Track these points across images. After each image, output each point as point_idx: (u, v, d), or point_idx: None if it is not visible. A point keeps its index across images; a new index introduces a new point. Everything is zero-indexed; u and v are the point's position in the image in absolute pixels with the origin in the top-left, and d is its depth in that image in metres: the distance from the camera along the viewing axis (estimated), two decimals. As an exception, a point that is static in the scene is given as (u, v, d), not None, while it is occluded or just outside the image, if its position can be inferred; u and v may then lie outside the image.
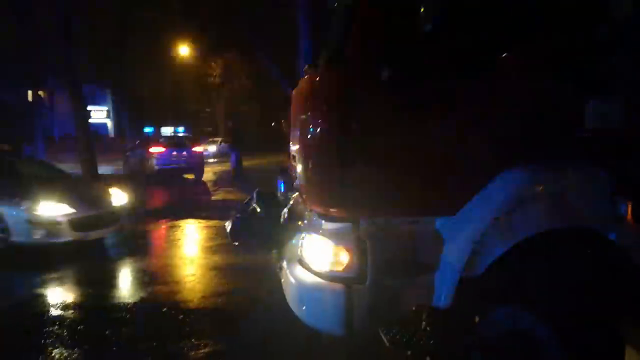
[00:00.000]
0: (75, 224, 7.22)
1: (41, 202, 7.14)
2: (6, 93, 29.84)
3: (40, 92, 33.19)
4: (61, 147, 25.32)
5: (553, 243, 2.61)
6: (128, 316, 4.93)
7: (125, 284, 6.34)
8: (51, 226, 7.04)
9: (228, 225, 3.79)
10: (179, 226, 9.62)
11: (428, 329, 2.59)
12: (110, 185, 9.51)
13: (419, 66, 2.64)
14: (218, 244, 7.76)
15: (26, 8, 20.71)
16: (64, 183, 8.60)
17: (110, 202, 8.16)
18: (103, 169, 16.99)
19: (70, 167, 19.38)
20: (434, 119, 2.71)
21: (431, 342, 2.57)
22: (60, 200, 7.29)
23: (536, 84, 2.68)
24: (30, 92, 33.17)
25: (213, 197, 13.69)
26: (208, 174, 18.83)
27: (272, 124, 36.84)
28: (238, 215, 3.82)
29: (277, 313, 3.88)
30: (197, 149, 17.86)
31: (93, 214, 7.60)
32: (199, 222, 9.83)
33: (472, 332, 2.67)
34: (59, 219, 7.09)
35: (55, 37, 16.92)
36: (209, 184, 16.49)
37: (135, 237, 8.72)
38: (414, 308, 2.67)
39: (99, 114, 33.44)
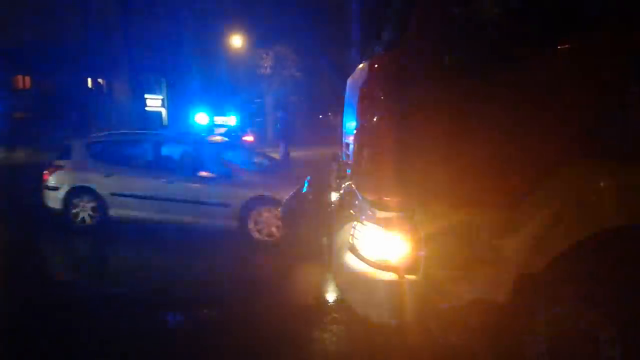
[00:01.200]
0: None
1: None
2: (67, 80, 31.32)
3: (100, 80, 34.66)
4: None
5: (618, 241, 2.48)
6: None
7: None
8: None
9: (281, 211, 3.84)
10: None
11: (483, 324, 2.53)
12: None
13: (481, 52, 2.56)
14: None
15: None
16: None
17: None
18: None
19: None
20: (496, 108, 2.62)
21: (485, 337, 2.51)
22: None
23: (607, 75, 2.54)
24: (90, 80, 34.72)
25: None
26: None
27: (320, 116, 37.01)
28: (290, 202, 3.85)
29: (327, 300, 3.88)
30: (247, 138, 18.14)
31: None
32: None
33: (529, 330, 2.59)
34: None
35: (114, 27, 17.57)
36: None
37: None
38: (468, 302, 2.62)
39: (154, 102, 34.44)
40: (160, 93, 36.70)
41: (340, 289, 3.07)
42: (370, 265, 2.80)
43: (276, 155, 19.71)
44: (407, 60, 2.68)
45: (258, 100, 31.46)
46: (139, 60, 17.62)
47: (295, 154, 18.33)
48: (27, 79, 33.71)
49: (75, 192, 7.70)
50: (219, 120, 18.57)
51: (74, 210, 7.71)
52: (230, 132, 18.01)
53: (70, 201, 7.70)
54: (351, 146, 3.27)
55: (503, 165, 2.61)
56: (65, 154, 8.17)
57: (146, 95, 19.83)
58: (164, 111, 38.31)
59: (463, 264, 2.65)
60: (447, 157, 2.66)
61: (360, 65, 3.50)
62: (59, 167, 7.95)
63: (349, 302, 2.96)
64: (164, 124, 34.86)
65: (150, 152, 7.90)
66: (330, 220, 3.42)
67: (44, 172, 8.05)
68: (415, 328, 2.76)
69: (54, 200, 7.82)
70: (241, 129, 18.47)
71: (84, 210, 7.68)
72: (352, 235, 3.03)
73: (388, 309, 2.68)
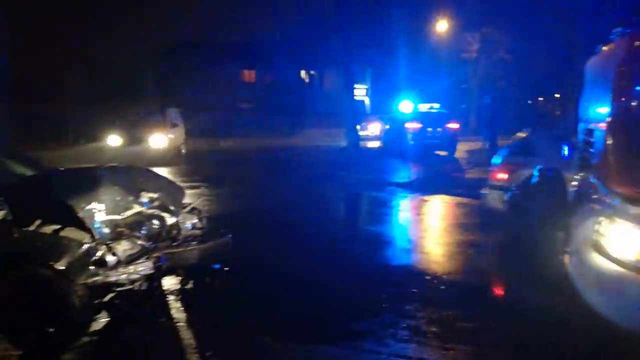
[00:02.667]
0: None
1: None
2: (285, 73, 34.63)
3: (312, 72, 37.46)
4: (326, 121, 28.13)
5: None
6: (382, 279, 5.25)
7: (380, 251, 6.71)
8: None
9: (505, 202, 3.67)
10: (427, 200, 9.78)
11: None
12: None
13: None
14: (473, 222, 7.62)
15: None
16: None
17: None
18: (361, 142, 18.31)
19: (334, 139, 21.48)
20: None
21: None
22: None
23: None
24: (303, 72, 37.80)
25: (467, 175, 13.42)
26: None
27: (529, 102, 34.13)
28: (516, 191, 3.65)
29: (549, 296, 3.59)
30: (452, 125, 17.67)
31: None
32: (452, 199, 9.79)
33: None
34: None
35: (327, 21, 18.71)
36: (462, 162, 16.19)
37: (386, 206, 9.30)
38: None
39: (359, 92, 35.88)
40: (364, 82, 38.06)
41: (580, 288, 2.82)
42: (622, 267, 2.51)
43: (476, 145, 18.81)
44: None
45: (463, 86, 30.48)
46: (348, 51, 18.44)
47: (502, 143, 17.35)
48: (252, 72, 38.05)
49: None
50: (422, 107, 18.44)
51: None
52: (434, 118, 17.70)
53: None
54: (598, 133, 2.96)
55: None
56: (523, 150, 6.97)
57: (355, 85, 20.73)
58: (367, 100, 39.68)
59: None
60: None
61: (605, 47, 3.14)
62: (519, 166, 6.35)
63: (592, 303, 2.70)
64: (367, 112, 36.18)
65: None
66: (568, 214, 3.15)
67: (493, 170, 7.04)
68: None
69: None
70: (447, 116, 18.03)
71: None
72: (597, 232, 2.75)
73: (645, 317, 2.38)
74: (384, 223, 8.09)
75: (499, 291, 4.90)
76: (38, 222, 3.73)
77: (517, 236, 5.59)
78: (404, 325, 4.06)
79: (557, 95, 33.10)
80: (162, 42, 31.81)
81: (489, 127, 17.56)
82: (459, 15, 27.73)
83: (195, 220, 4.86)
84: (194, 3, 30.26)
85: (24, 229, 3.59)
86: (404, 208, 9.47)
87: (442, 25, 29.12)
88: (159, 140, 15.89)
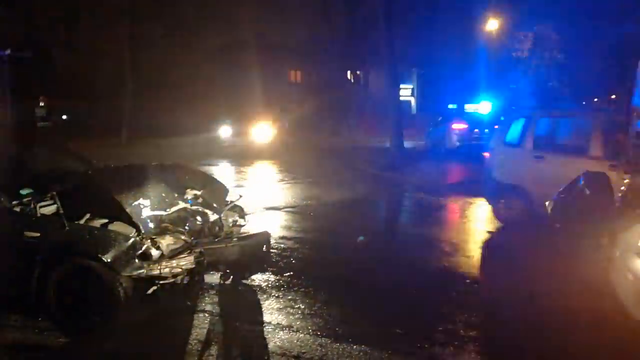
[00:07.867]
0: None
1: None
2: (331, 74, 34.68)
3: (357, 72, 37.36)
4: (372, 121, 28.03)
5: None
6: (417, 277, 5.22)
7: (424, 251, 6.63)
8: None
9: (549, 206, 3.58)
10: (473, 203, 9.57)
11: None
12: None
13: None
14: (523, 225, 7.42)
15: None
16: None
17: None
18: (406, 143, 18.03)
19: (379, 139, 21.32)
20: None
21: None
22: None
23: None
24: (349, 73, 37.74)
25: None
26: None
27: (583, 102, 32.76)
28: (562, 195, 3.54)
29: (589, 302, 3.45)
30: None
31: None
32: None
33: None
34: None
35: (373, 23, 18.59)
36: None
37: (430, 208, 9.26)
38: None
39: (404, 92, 35.52)
40: (410, 83, 37.66)
41: (621, 295, 2.71)
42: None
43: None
44: None
45: (513, 87, 29.63)
46: (394, 52, 18.27)
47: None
48: (299, 72, 38.25)
49: None
50: (469, 107, 18.01)
51: None
52: (481, 119, 17.27)
53: None
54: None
55: None
56: None
57: (401, 86, 20.53)
58: (413, 100, 39.27)
59: None
60: None
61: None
62: None
63: (633, 312, 2.60)
64: (412, 112, 35.80)
65: None
66: (612, 219, 3.03)
67: None
68: None
69: None
70: (496, 118, 17.58)
71: None
72: (644, 238, 2.65)
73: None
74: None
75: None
76: (87, 216, 3.92)
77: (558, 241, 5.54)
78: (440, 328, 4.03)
79: (612, 97, 31.73)
80: (213, 42, 32.35)
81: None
82: (511, 13, 27.03)
83: (237, 217, 4.97)
84: (242, 3, 30.63)
85: (74, 222, 3.77)
86: (443, 208, 9.39)
87: (492, 24, 28.40)
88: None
